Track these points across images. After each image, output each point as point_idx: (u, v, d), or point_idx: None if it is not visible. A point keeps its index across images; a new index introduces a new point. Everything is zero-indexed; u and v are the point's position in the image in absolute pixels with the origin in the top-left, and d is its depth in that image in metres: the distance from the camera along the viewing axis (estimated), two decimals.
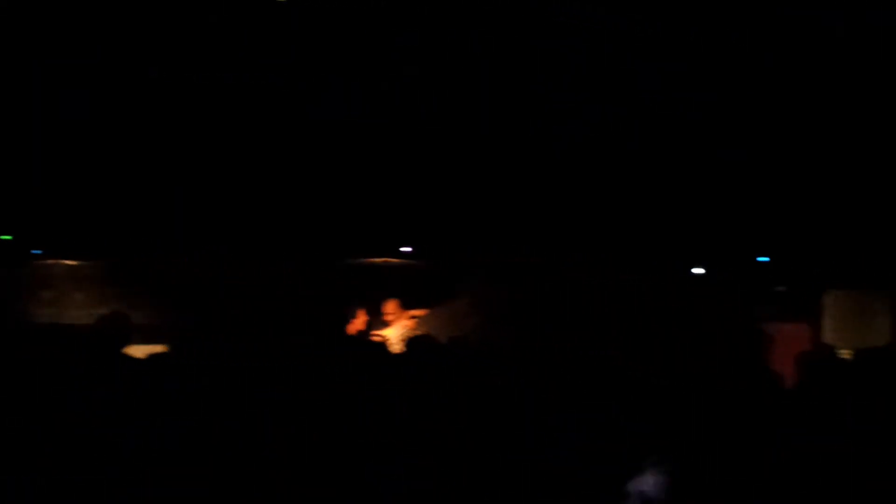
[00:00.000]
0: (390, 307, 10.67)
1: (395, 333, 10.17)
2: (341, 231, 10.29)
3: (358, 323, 10.25)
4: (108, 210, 9.68)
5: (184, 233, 9.97)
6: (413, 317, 10.77)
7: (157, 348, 5.41)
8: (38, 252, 10.81)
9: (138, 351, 5.45)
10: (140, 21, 7.64)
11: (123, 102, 8.45)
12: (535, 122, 8.67)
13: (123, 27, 7.65)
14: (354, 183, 9.58)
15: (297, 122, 8.92)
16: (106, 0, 7.32)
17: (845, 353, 8.24)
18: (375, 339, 9.85)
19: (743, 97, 8.12)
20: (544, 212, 9.99)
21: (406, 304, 10.88)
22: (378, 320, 10.49)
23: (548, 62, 8.10)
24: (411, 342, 5.91)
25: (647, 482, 3.24)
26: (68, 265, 10.97)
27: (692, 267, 12.29)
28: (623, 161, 9.38)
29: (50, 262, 10.99)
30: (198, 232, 10.01)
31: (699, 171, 9.37)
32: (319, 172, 9.50)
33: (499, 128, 8.88)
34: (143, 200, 9.61)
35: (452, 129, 9.04)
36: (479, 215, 10.09)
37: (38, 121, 8.48)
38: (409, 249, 11.36)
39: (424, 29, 7.88)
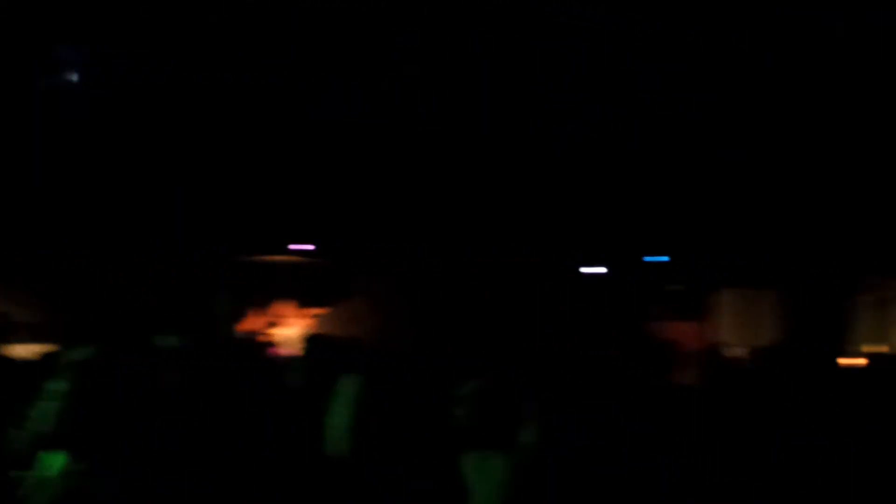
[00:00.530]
0: (287, 307, 10.52)
1: (292, 333, 10.05)
2: (238, 227, 10.03)
3: (256, 321, 10.10)
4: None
5: (79, 232, 9.78)
6: (313, 316, 10.63)
7: (43, 347, 5.39)
8: None
9: (23, 350, 5.41)
10: (139, 21, 7.63)
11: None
12: (536, 122, 8.68)
13: (123, 27, 7.65)
14: (255, 180, 9.38)
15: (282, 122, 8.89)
16: (106, 0, 7.31)
17: (737, 350, 8.33)
18: (271, 337, 9.74)
19: (743, 97, 8.12)
20: (452, 210, 9.91)
21: (305, 303, 10.72)
22: (274, 319, 10.34)
23: (548, 62, 8.10)
24: (309, 340, 5.84)
25: None
26: None
27: (586, 266, 12.35)
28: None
29: None
30: (92, 231, 9.79)
31: (697, 171, 9.39)
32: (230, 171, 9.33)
33: (499, 127, 8.88)
34: (35, 198, 9.47)
35: (450, 128, 9.04)
36: (384, 212, 9.93)
37: None
38: (310, 247, 11.10)
39: (424, 29, 7.88)
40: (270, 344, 9.43)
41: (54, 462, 3.04)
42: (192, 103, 8.34)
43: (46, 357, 4.92)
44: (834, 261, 10.86)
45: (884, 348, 12.80)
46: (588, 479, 3.39)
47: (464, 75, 8.22)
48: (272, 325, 10.35)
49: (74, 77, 7.80)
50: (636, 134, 8.63)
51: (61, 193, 9.25)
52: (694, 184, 9.66)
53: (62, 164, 8.83)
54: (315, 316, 10.70)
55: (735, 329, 13.38)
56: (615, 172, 9.56)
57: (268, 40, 7.78)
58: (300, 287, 11.11)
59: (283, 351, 9.03)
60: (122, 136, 8.62)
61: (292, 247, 10.91)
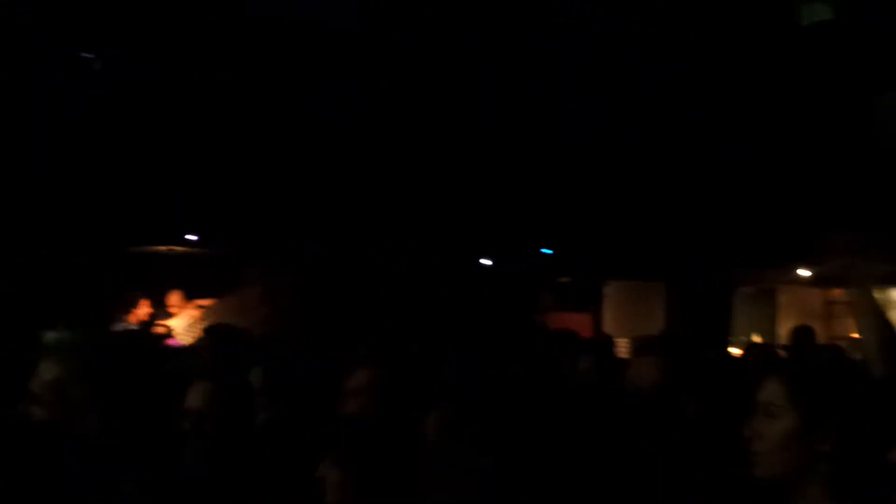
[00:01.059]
0: (174, 297, 10.36)
1: (180, 324, 9.93)
2: (124, 218, 9.79)
3: (141, 313, 9.91)
4: None
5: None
6: (199, 307, 10.50)
7: None
8: None
9: None
10: (139, 21, 7.61)
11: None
12: (536, 122, 8.69)
13: (123, 27, 7.63)
14: (145, 171, 9.18)
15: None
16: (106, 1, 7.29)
17: (623, 341, 8.42)
18: (160, 329, 9.62)
19: (743, 97, 8.14)
20: (338, 201, 9.82)
21: (192, 294, 10.57)
22: (162, 310, 10.19)
23: (548, 62, 8.10)
24: (209, 331, 5.77)
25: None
26: None
27: (480, 258, 12.41)
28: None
29: None
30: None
31: (698, 170, 9.41)
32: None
33: (498, 128, 8.89)
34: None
35: (449, 128, 9.04)
36: (268, 203, 9.78)
37: None
38: (194, 237, 10.94)
39: (424, 29, 7.87)
40: (162, 335, 9.30)
41: None
42: (192, 103, 8.32)
43: None
44: (716, 254, 10.96)
45: (758, 338, 13.11)
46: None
47: (464, 75, 8.22)
48: (162, 315, 10.19)
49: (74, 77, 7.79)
50: (636, 134, 8.65)
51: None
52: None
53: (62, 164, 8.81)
54: (205, 307, 10.56)
55: (622, 321, 13.62)
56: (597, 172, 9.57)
57: (268, 40, 7.77)
58: (190, 277, 10.94)
59: (174, 342, 8.92)
60: (123, 136, 8.59)
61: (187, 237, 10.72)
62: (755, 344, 10.20)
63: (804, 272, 13.08)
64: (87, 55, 7.67)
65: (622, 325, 13.13)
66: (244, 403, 3.57)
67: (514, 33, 7.89)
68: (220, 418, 3.41)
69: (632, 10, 7.60)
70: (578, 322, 12.52)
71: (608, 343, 8.58)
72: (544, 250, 11.88)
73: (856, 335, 13.88)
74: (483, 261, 12.37)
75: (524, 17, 7.76)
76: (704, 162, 9.12)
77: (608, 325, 13.71)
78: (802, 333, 8.78)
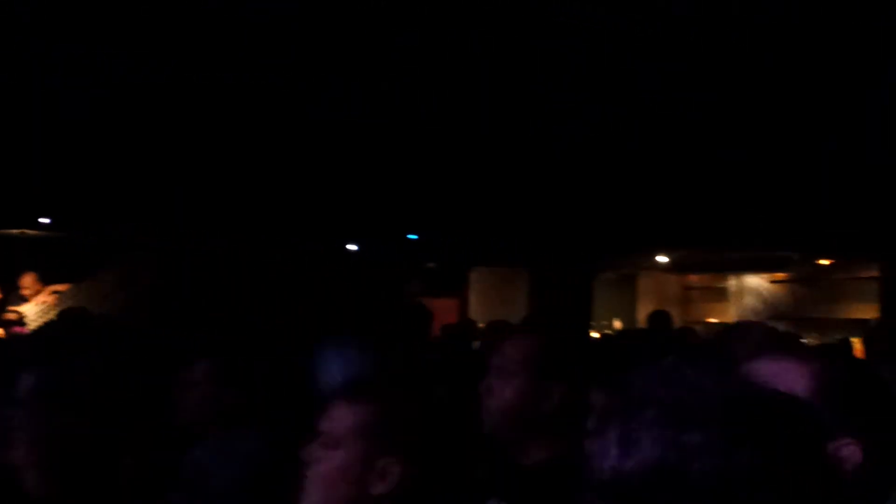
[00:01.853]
0: (28, 279, 10.19)
1: (33, 310, 9.80)
2: None
3: None
4: None
5: None
6: (54, 292, 10.36)
7: None
8: None
9: None
10: (139, 20, 7.60)
11: None
12: (536, 122, 8.67)
13: (123, 26, 7.62)
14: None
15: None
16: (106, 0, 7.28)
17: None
18: (11, 315, 9.48)
19: (743, 97, 8.12)
20: (198, 189, 9.69)
21: (46, 279, 10.41)
22: (15, 295, 10.03)
23: (548, 62, 8.08)
24: (62, 316, 5.68)
25: None
26: None
27: (346, 243, 12.37)
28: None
29: None
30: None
31: (698, 170, 9.39)
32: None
33: (498, 128, 8.87)
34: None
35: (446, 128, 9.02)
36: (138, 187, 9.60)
37: None
38: (47, 220, 10.71)
39: (424, 29, 7.85)
40: (12, 321, 9.16)
41: None
42: (192, 103, 8.31)
43: None
44: (578, 241, 10.96)
45: (619, 323, 13.22)
46: None
47: (464, 75, 8.21)
48: (16, 300, 10.07)
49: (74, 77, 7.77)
50: (636, 134, 8.63)
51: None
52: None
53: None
54: (60, 292, 10.45)
55: (488, 306, 13.75)
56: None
57: (268, 40, 7.76)
58: (44, 262, 10.80)
59: (25, 330, 8.79)
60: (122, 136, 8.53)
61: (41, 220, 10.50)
62: (618, 329, 10.36)
63: (662, 258, 13.27)
64: None
65: (487, 310, 13.34)
66: (90, 388, 3.53)
67: (514, 33, 7.86)
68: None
69: (632, 10, 7.57)
70: (445, 307, 12.72)
71: (470, 329, 8.68)
72: (410, 236, 11.87)
73: (710, 319, 14.26)
74: (349, 246, 12.35)
75: (524, 17, 7.74)
76: (569, 151, 9.08)
77: (473, 311, 13.88)
78: (659, 318, 9.06)
